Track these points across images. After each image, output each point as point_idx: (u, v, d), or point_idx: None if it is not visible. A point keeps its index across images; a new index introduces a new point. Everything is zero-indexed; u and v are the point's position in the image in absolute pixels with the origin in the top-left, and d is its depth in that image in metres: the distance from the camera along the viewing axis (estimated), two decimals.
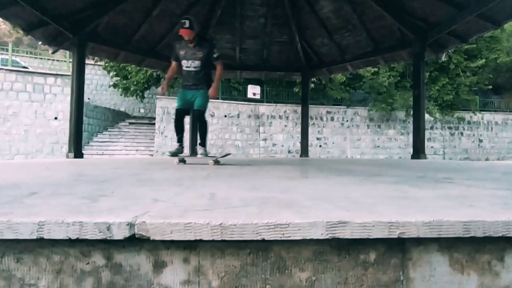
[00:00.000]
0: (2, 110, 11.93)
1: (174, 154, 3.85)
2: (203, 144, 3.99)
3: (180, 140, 3.95)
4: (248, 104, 14.68)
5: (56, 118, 12.51)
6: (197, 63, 3.83)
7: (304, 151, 8.47)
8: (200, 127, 4.02)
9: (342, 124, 15.43)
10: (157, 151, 13.45)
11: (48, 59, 17.10)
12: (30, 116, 12.23)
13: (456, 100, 15.51)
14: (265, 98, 15.65)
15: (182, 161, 3.83)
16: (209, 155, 4.06)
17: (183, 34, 3.74)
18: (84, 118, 9.13)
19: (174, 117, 4.03)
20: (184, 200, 1.19)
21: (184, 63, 3.86)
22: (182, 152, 3.90)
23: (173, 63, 4.01)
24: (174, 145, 3.93)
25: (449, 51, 9.10)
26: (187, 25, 3.70)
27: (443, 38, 6.14)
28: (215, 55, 3.85)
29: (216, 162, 3.70)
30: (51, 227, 0.84)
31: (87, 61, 9.91)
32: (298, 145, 8.72)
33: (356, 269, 0.90)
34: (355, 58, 7.65)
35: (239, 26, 7.62)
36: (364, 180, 2.04)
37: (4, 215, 0.89)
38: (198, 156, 3.94)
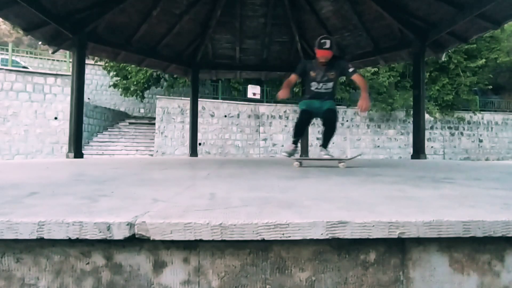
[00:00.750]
0: (2, 110, 11.93)
1: (290, 154, 3.60)
2: (325, 145, 3.69)
3: (296, 142, 3.71)
4: (248, 104, 14.67)
5: (56, 118, 12.51)
6: (329, 85, 3.55)
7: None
8: (330, 128, 3.68)
9: (342, 124, 15.43)
10: (157, 151, 13.44)
11: (48, 59, 17.10)
12: (30, 116, 12.23)
13: (456, 100, 15.52)
14: (265, 98, 15.65)
15: (301, 162, 3.52)
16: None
17: (321, 56, 3.39)
18: (84, 118, 9.14)
19: (297, 118, 3.69)
20: (184, 200, 1.19)
21: (314, 85, 3.56)
22: (294, 154, 3.66)
23: (294, 76, 3.64)
24: (288, 145, 3.71)
25: (449, 51, 9.11)
26: (327, 45, 3.35)
27: (443, 38, 6.15)
28: (350, 70, 3.49)
29: (344, 164, 3.37)
30: (51, 227, 0.84)
31: (87, 61, 9.91)
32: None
33: (356, 269, 0.90)
34: (355, 58, 7.64)
35: (239, 26, 7.62)
36: (364, 180, 2.04)
37: (4, 215, 0.89)
38: (324, 157, 3.66)
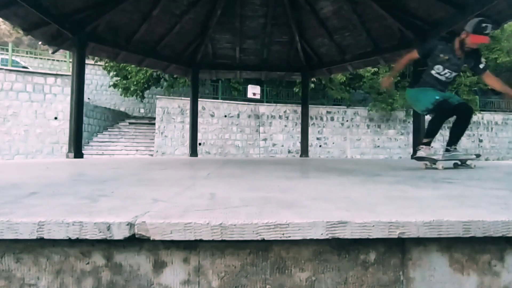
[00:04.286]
0: (2, 110, 11.92)
1: (433, 161, 3.07)
2: (456, 142, 3.21)
3: (430, 143, 3.18)
4: (248, 104, 14.66)
5: (56, 118, 12.50)
6: (453, 75, 3.15)
7: (304, 151, 8.47)
8: (465, 123, 3.24)
9: (342, 124, 15.42)
10: (157, 151, 13.44)
11: (48, 59, 17.09)
12: (30, 116, 12.22)
13: None
14: (265, 98, 15.64)
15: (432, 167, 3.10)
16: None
17: (477, 43, 2.90)
18: (84, 118, 9.14)
19: (437, 113, 3.11)
20: (184, 200, 1.19)
21: (437, 69, 3.09)
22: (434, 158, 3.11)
23: (415, 53, 3.14)
24: (424, 148, 3.12)
25: None
26: (489, 30, 2.84)
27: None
28: (481, 66, 3.09)
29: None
30: (51, 227, 0.84)
31: (87, 61, 9.92)
32: (298, 145, 8.73)
33: (356, 269, 0.90)
34: (355, 58, 7.65)
35: (239, 26, 7.62)
36: (364, 180, 2.04)
37: (4, 215, 0.89)
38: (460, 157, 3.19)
